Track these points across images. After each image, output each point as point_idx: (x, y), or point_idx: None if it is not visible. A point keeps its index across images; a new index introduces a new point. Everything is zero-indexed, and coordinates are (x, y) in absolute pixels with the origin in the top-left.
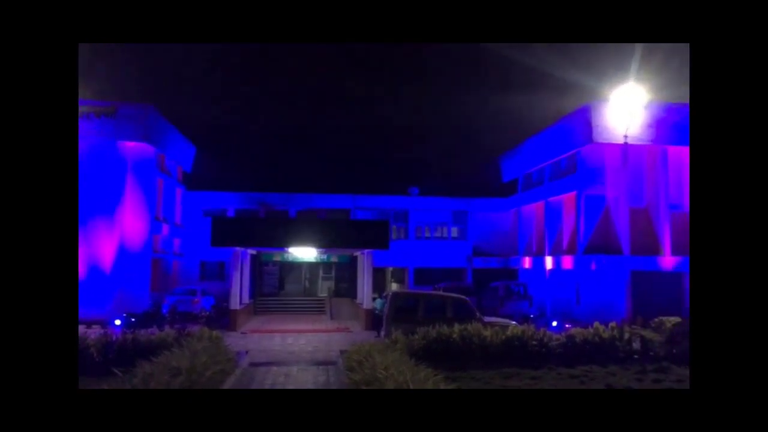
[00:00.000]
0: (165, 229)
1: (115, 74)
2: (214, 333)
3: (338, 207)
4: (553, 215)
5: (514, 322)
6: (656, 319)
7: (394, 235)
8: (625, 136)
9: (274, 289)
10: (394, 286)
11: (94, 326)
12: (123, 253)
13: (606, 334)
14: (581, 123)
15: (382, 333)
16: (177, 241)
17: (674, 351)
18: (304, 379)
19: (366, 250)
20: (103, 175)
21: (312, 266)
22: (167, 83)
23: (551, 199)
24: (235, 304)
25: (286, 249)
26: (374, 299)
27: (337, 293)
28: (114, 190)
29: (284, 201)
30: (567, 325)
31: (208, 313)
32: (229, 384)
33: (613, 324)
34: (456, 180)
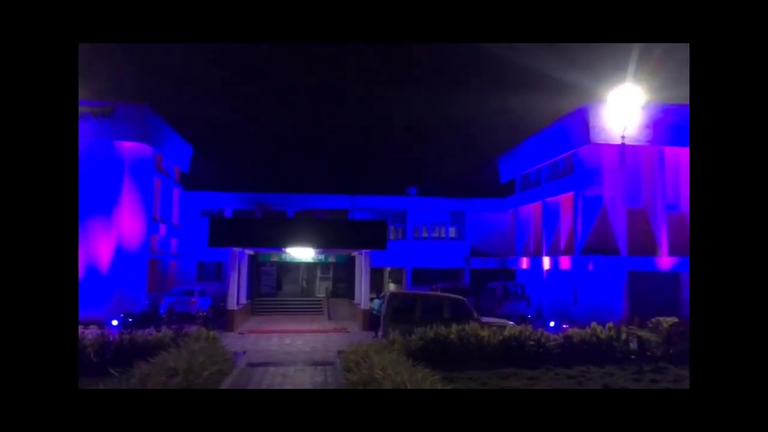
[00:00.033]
0: (162, 229)
1: (112, 74)
2: (212, 333)
3: (336, 207)
4: (551, 216)
5: (511, 323)
6: (653, 320)
7: (391, 236)
8: (623, 137)
9: (272, 289)
10: (391, 287)
11: (91, 327)
12: (120, 254)
13: (603, 335)
14: (579, 124)
15: (380, 333)
16: (174, 242)
17: (671, 351)
18: (302, 379)
19: (364, 251)
20: (100, 175)
21: (310, 266)
22: (164, 83)
23: (549, 199)
24: (232, 304)
25: (283, 249)
26: (372, 299)
27: (334, 293)
28: (111, 190)
29: (282, 201)
30: (564, 326)
31: (205, 313)
32: (226, 384)
33: (610, 324)
34: (454, 180)
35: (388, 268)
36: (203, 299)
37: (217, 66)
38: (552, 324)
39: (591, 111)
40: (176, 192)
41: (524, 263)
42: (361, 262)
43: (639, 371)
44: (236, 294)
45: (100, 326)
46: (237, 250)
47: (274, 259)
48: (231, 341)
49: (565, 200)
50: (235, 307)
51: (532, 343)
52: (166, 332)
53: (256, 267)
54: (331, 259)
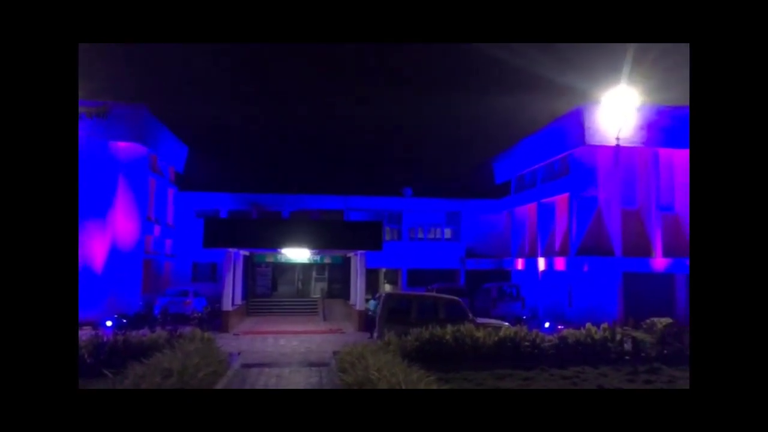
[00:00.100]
0: (157, 229)
1: (107, 74)
2: (206, 334)
3: (331, 208)
4: (546, 217)
5: (506, 324)
6: (648, 321)
7: (387, 236)
8: (617, 139)
9: (267, 290)
10: (387, 288)
11: (85, 327)
12: (114, 254)
13: (598, 336)
14: (574, 125)
15: (375, 334)
16: (169, 242)
17: (665, 352)
18: (297, 380)
19: (359, 252)
20: (94, 176)
21: (305, 267)
22: (159, 83)
23: (544, 200)
24: (227, 305)
25: (279, 250)
26: (367, 300)
27: (330, 294)
28: (105, 190)
29: (277, 202)
30: (559, 327)
31: (200, 314)
32: (221, 386)
33: (605, 325)
34: (449, 181)
35: (384, 269)
36: (198, 300)
37: (213, 66)
38: (547, 325)
39: (586, 112)
40: (171, 192)
41: (519, 264)
42: (357, 262)
43: (633, 372)
44: (231, 295)
45: (94, 327)
46: (232, 250)
47: (270, 259)
48: (226, 342)
49: (560, 201)
50: (230, 308)
51: (527, 344)
52: (160, 333)
53: (251, 268)
54: (327, 260)
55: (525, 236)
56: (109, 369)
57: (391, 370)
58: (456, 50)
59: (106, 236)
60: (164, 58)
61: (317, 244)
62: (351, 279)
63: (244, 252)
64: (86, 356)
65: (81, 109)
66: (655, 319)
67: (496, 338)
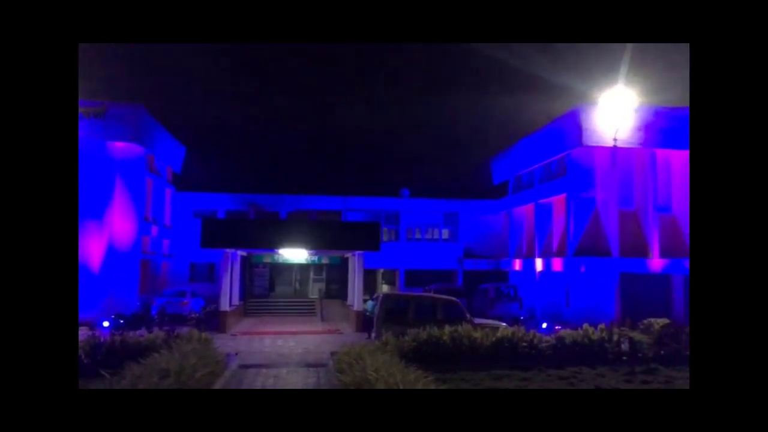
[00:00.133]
0: (154, 230)
1: (105, 74)
2: (204, 335)
3: (329, 208)
4: (544, 217)
5: (504, 324)
6: (645, 321)
7: (385, 237)
8: (615, 139)
9: (265, 290)
10: (384, 288)
11: (82, 328)
12: (111, 254)
13: (595, 336)
14: (571, 126)
15: (373, 335)
16: (166, 242)
17: (662, 352)
18: (294, 381)
19: (357, 252)
20: (91, 176)
21: (303, 268)
22: (157, 83)
23: (541, 201)
24: (224, 305)
25: (276, 250)
26: (365, 301)
27: (327, 295)
28: (103, 190)
29: (275, 202)
30: (556, 327)
31: (197, 314)
32: (218, 386)
33: (602, 326)
34: (447, 182)
35: (382, 270)
36: (195, 300)
37: (211, 66)
38: (544, 325)
39: (583, 113)
40: (168, 193)
41: (517, 265)
42: (355, 263)
43: (630, 372)
44: (229, 295)
45: (91, 327)
46: (229, 251)
47: (267, 260)
48: (223, 343)
49: (557, 202)
50: (228, 309)
51: (524, 344)
52: (157, 334)
53: (248, 268)
54: (324, 261)
55: (522, 237)
56: (107, 369)
57: (389, 371)
58: (454, 51)
59: (103, 236)
60: (161, 58)
61: (315, 244)
62: (349, 279)
63: (241, 252)
64: (83, 357)
65: (79, 109)
66: (652, 320)
67: (494, 339)
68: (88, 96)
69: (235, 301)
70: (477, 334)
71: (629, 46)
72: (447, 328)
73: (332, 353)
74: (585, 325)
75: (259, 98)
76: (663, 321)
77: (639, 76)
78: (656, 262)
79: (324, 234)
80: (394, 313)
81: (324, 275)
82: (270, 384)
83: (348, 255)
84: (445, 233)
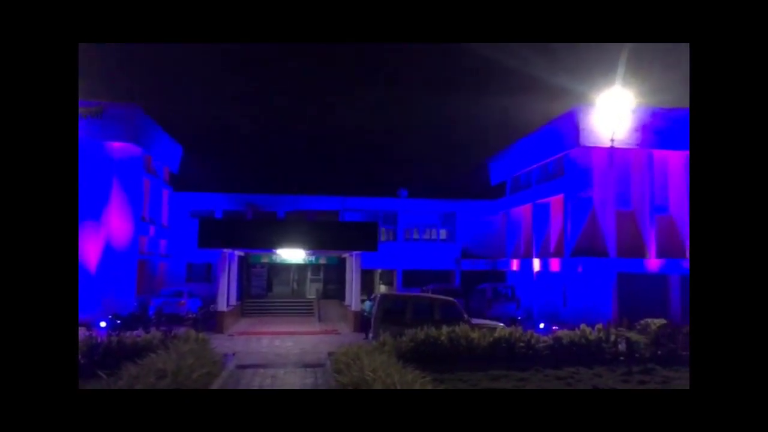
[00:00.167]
0: (151, 230)
1: (102, 74)
2: (201, 335)
3: (327, 209)
4: (541, 218)
5: (501, 324)
6: (642, 321)
7: (382, 237)
8: (612, 140)
9: (262, 290)
10: (382, 288)
11: (79, 328)
12: (109, 254)
13: (592, 336)
14: (569, 126)
15: (371, 335)
16: (163, 243)
17: (659, 353)
18: (292, 381)
19: (355, 252)
20: (89, 176)
21: (300, 268)
22: (154, 83)
23: (539, 201)
24: (222, 305)
25: (274, 250)
26: (363, 301)
27: (325, 295)
28: (100, 190)
29: (272, 202)
30: (554, 327)
31: (194, 315)
32: (215, 387)
33: (599, 326)
34: (445, 182)
35: (379, 270)
36: (192, 301)
37: (209, 66)
38: (542, 326)
39: (581, 114)
40: (166, 193)
41: (514, 265)
42: (352, 263)
43: (627, 372)
44: (226, 295)
45: (88, 328)
46: (227, 251)
47: (265, 260)
48: (220, 343)
49: (555, 202)
50: (225, 309)
51: (521, 344)
52: (154, 334)
53: (246, 268)
54: (322, 261)
55: (520, 237)
56: (103, 370)
57: (387, 371)
58: (452, 51)
59: (100, 237)
60: (159, 58)
61: (313, 244)
62: (346, 280)
63: (239, 252)
64: (80, 357)
65: None
66: (649, 320)
67: (491, 339)
68: (85, 96)
69: (233, 301)
70: (474, 335)
71: (627, 47)
72: (444, 329)
73: (330, 353)
74: (582, 326)
75: (256, 98)
76: (660, 321)
77: (636, 77)
78: (653, 263)
79: (322, 234)
80: (392, 313)
81: (322, 275)
82: (267, 384)
83: (346, 255)
84: (443, 233)
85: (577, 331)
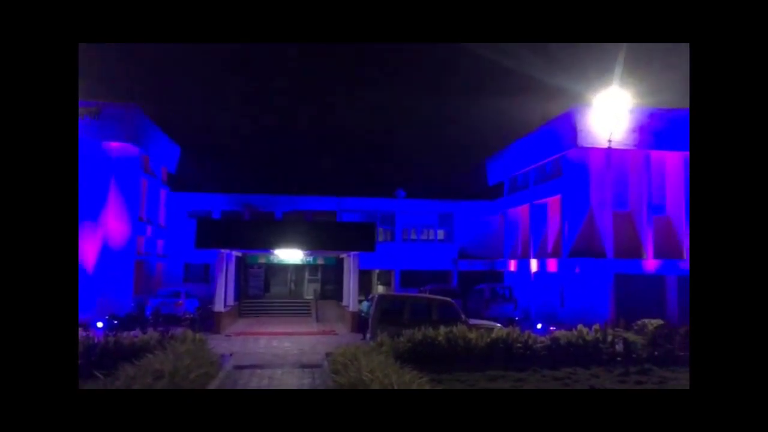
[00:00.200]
0: (149, 230)
1: (100, 73)
2: (198, 336)
3: (324, 209)
4: (539, 218)
5: (499, 325)
6: (639, 322)
7: (380, 238)
8: (609, 141)
9: (260, 291)
10: (380, 289)
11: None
12: (106, 255)
13: (589, 337)
14: (566, 127)
15: (368, 335)
16: (161, 243)
17: (656, 353)
18: (289, 382)
19: (352, 253)
20: (86, 176)
21: (298, 268)
22: (152, 83)
23: (536, 202)
24: (219, 306)
25: (271, 251)
26: (360, 302)
27: (323, 296)
28: (97, 191)
29: (270, 203)
30: (551, 328)
31: (192, 315)
32: (212, 387)
33: (596, 326)
34: (442, 183)
35: (377, 270)
36: (190, 301)
37: (207, 66)
38: (539, 326)
39: (578, 114)
40: (163, 193)
41: (512, 266)
42: (350, 264)
43: (624, 373)
44: (223, 296)
45: (85, 328)
46: (224, 251)
47: (262, 260)
48: (218, 344)
49: (552, 203)
50: (222, 309)
51: (519, 345)
52: (151, 334)
53: (243, 269)
54: (320, 261)
55: (518, 238)
56: (100, 370)
57: (384, 372)
58: (450, 52)
59: (98, 236)
60: (156, 58)
61: (310, 245)
62: (344, 280)
63: (236, 253)
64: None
65: None
66: (646, 321)
67: (489, 339)
68: (82, 95)
69: (230, 301)
70: (472, 335)
71: (624, 47)
72: (442, 329)
73: (327, 354)
74: (579, 326)
75: (254, 98)
76: (657, 322)
77: (634, 77)
78: (650, 263)
79: (319, 234)
80: (390, 313)
81: (319, 276)
82: (265, 385)
83: (343, 256)
84: (441, 234)
85: (575, 332)
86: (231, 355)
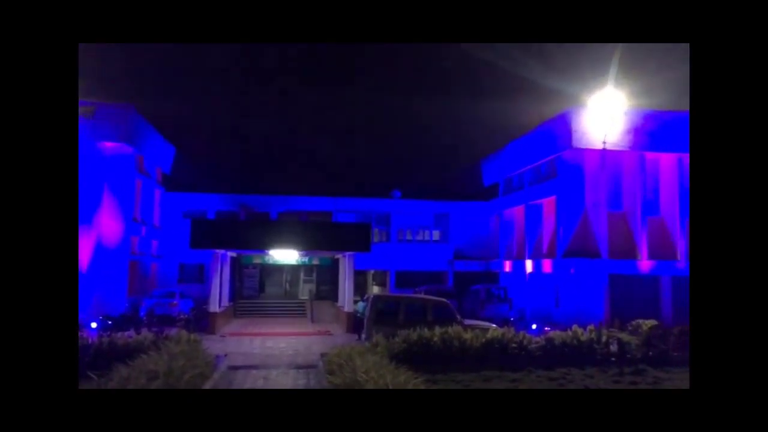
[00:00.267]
0: (143, 230)
1: (94, 73)
2: (193, 336)
3: (320, 209)
4: (534, 219)
5: (494, 325)
6: (633, 322)
7: (375, 238)
8: (604, 142)
9: (255, 291)
10: (375, 289)
11: None
12: (100, 255)
13: (584, 337)
14: (561, 128)
15: (363, 336)
16: (155, 243)
17: (650, 353)
18: (284, 382)
19: (347, 253)
20: (80, 176)
21: (293, 269)
22: (147, 83)
23: (531, 203)
24: (214, 306)
25: (266, 251)
26: (355, 302)
27: (318, 296)
28: (91, 191)
29: (265, 203)
30: (546, 328)
31: (186, 316)
32: (207, 388)
33: (591, 327)
34: (438, 183)
35: (372, 271)
36: (184, 301)
37: (202, 66)
38: (534, 327)
39: (573, 116)
40: (158, 193)
41: (507, 266)
42: (345, 264)
43: (619, 373)
44: (218, 296)
45: (79, 329)
46: (219, 252)
47: (257, 261)
48: (212, 344)
49: (547, 204)
50: (217, 310)
51: (514, 345)
52: (146, 335)
53: (238, 269)
54: (315, 262)
55: (513, 238)
56: (94, 371)
57: (379, 372)
58: (446, 52)
59: (92, 237)
60: (152, 57)
61: (305, 245)
62: (339, 281)
63: (231, 253)
64: None
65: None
66: (641, 321)
67: (484, 340)
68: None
69: (225, 302)
70: (467, 336)
71: (619, 48)
72: (437, 330)
73: (322, 354)
74: (574, 327)
75: (250, 99)
76: (651, 322)
77: (629, 79)
78: (645, 264)
79: (315, 235)
80: (385, 314)
81: (314, 276)
82: (259, 385)
83: (339, 256)
84: (436, 234)
85: (569, 332)
86: (225, 355)
